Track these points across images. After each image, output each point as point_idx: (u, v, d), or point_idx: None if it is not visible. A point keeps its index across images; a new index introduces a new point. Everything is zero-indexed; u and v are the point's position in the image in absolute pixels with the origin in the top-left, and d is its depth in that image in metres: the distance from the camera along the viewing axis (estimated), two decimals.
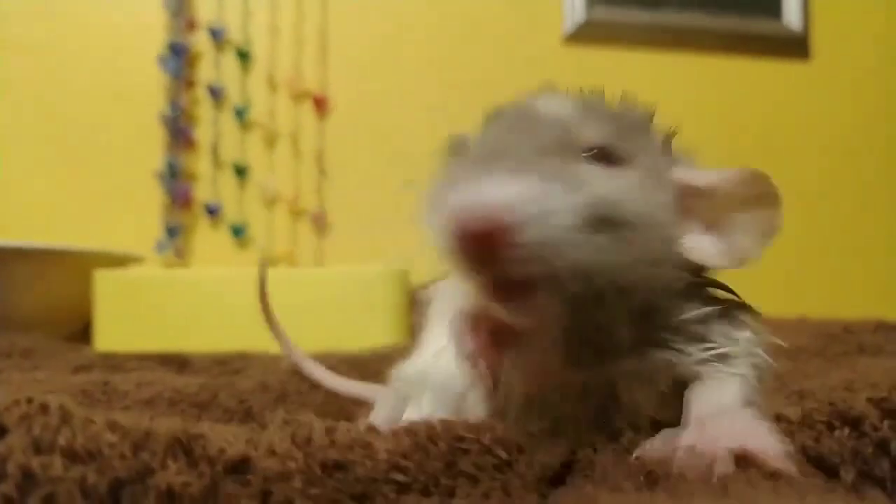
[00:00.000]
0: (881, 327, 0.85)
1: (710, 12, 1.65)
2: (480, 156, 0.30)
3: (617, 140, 0.33)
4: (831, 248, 1.68)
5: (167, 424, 0.28)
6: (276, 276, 1.15)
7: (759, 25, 1.66)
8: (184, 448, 0.27)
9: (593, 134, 0.32)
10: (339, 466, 0.27)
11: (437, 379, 0.40)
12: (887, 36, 1.72)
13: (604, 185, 0.29)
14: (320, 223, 1.54)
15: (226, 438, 0.28)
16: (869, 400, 0.30)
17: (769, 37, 1.67)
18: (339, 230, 1.54)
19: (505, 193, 0.26)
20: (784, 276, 1.53)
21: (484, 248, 0.27)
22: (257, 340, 0.88)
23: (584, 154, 0.31)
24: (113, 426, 0.27)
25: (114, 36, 1.51)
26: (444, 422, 0.30)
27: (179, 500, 0.25)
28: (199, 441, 0.27)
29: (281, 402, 0.61)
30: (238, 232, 1.52)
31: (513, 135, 0.31)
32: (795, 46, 1.68)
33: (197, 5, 1.53)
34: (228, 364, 0.79)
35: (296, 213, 1.55)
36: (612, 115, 0.35)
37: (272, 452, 0.27)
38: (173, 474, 0.26)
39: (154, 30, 1.50)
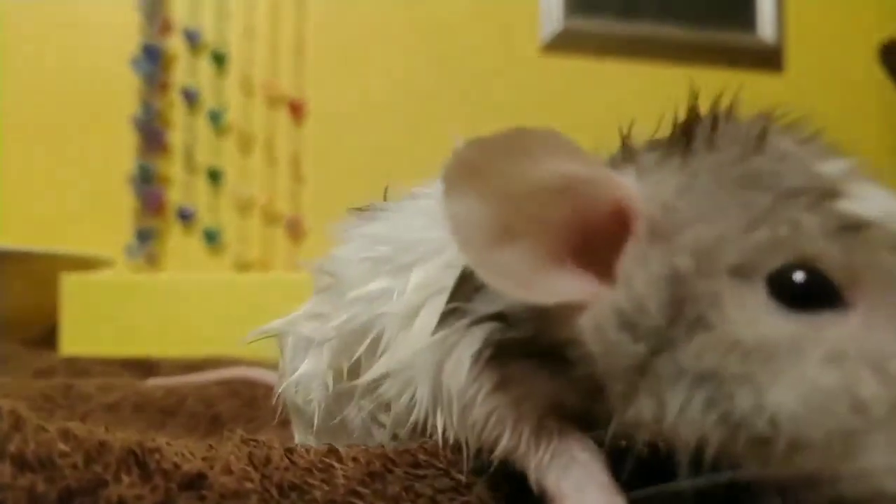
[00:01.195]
0: None
1: (686, 24, 1.67)
2: None
3: None
4: None
5: (122, 436, 0.27)
6: (250, 281, 1.14)
7: (734, 38, 1.68)
8: (138, 461, 0.26)
9: None
10: (296, 489, 0.27)
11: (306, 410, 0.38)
12: (859, 49, 1.75)
13: None
14: (295, 229, 1.53)
15: (182, 453, 0.27)
16: None
17: (744, 49, 1.69)
18: (315, 237, 1.53)
19: None
20: None
21: None
22: (227, 346, 0.87)
23: None
24: (66, 435, 0.27)
25: (86, 37, 1.49)
26: (400, 446, 0.30)
27: None
28: (154, 455, 0.26)
29: (249, 409, 0.60)
30: (211, 237, 1.50)
31: None
32: (769, 58, 1.70)
33: (172, 7, 1.51)
34: (196, 369, 0.78)
35: (270, 218, 1.53)
36: None
37: (228, 471, 0.27)
38: (126, 487, 0.25)
39: (127, 31, 1.49)
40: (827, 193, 0.22)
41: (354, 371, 0.35)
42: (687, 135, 0.25)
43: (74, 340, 1.01)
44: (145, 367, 0.82)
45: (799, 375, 0.21)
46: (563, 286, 0.24)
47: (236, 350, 0.83)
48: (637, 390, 0.23)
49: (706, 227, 0.23)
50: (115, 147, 1.48)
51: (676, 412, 0.22)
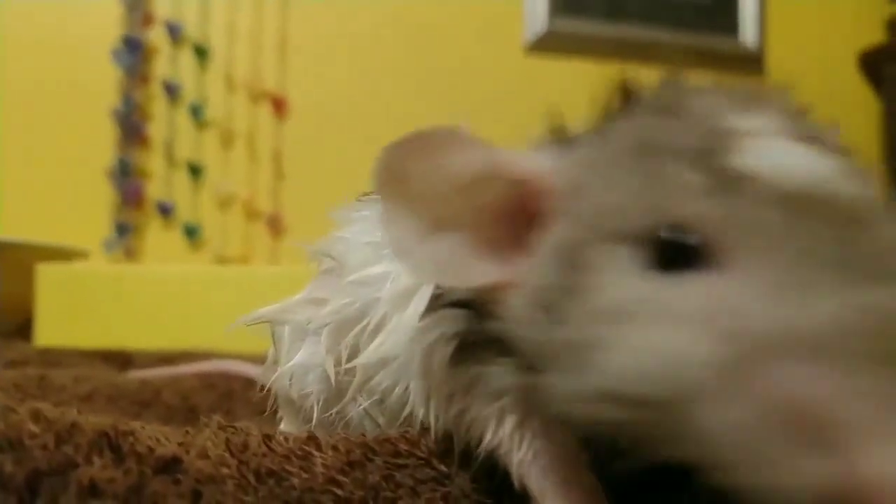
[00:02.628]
0: None
1: (669, 27, 1.67)
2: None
3: None
4: None
5: (95, 419, 0.27)
6: (230, 274, 1.13)
7: (716, 42, 1.69)
8: (111, 444, 0.26)
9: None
10: (274, 476, 0.26)
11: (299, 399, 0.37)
12: (839, 55, 1.77)
13: None
14: (276, 225, 1.52)
15: (156, 438, 0.27)
16: None
17: (726, 53, 1.70)
18: (296, 233, 1.52)
19: None
20: None
21: None
22: (203, 339, 0.87)
23: None
24: (36, 416, 0.26)
25: (67, 27, 1.47)
26: (381, 435, 0.30)
27: (102, 495, 0.24)
28: (127, 438, 0.26)
29: (226, 401, 0.59)
30: (191, 232, 1.49)
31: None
32: (751, 63, 1.71)
33: None
34: (173, 362, 0.77)
35: (251, 214, 1.52)
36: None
37: (205, 456, 0.26)
38: (98, 469, 0.24)
39: (109, 23, 1.47)
40: (715, 149, 0.21)
41: (353, 358, 0.34)
42: (609, 109, 0.26)
43: (49, 332, 1.00)
44: (121, 359, 0.81)
45: (643, 337, 0.19)
46: (485, 269, 0.24)
47: (215, 343, 0.83)
48: (548, 368, 0.22)
49: (601, 196, 0.22)
50: (94, 139, 1.46)
51: (569, 387, 0.21)
